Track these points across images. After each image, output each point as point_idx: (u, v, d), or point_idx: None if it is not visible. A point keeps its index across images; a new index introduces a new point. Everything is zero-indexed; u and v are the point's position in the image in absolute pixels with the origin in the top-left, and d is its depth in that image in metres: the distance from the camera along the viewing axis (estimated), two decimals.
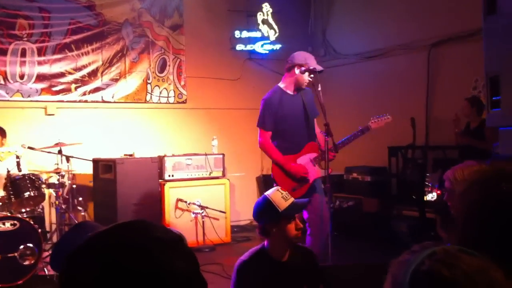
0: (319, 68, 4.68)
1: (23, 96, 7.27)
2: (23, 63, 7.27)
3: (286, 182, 4.56)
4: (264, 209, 3.02)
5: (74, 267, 0.94)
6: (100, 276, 0.89)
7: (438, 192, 6.38)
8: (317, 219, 4.52)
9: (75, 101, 7.65)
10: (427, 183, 6.71)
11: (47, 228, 6.70)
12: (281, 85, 4.82)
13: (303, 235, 4.35)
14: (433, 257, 0.95)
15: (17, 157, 5.96)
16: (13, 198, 5.60)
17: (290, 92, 4.78)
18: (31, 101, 7.33)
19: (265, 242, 3.07)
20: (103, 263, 0.90)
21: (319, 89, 4.55)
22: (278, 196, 3.02)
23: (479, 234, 1.30)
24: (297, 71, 4.70)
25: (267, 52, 8.99)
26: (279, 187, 3.15)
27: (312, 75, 4.69)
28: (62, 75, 7.56)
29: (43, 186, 5.95)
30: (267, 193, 3.08)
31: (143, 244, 0.92)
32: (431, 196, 6.58)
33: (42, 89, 7.41)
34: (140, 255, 0.90)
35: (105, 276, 0.89)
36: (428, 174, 6.87)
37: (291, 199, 3.03)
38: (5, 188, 5.65)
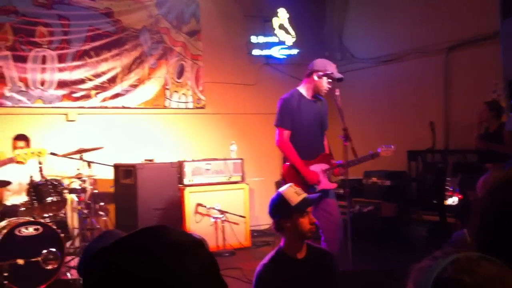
0: (338, 75, 4.66)
1: (44, 103, 7.36)
2: (44, 70, 7.37)
3: (296, 184, 4.57)
4: (277, 204, 3.09)
5: (87, 272, 0.97)
6: (108, 281, 0.91)
7: (459, 196, 6.35)
8: (330, 224, 4.52)
9: (95, 107, 7.74)
10: (447, 187, 6.68)
11: (70, 233, 6.76)
12: (300, 89, 4.81)
13: (318, 239, 4.38)
14: (455, 264, 0.96)
15: (40, 162, 6.04)
16: (36, 203, 5.66)
17: (309, 97, 4.78)
18: (52, 107, 7.42)
19: (281, 242, 3.12)
20: (112, 268, 0.92)
21: (337, 93, 4.56)
22: (291, 191, 3.07)
23: (494, 239, 1.31)
24: (315, 77, 4.68)
25: (284, 57, 9.02)
26: (292, 184, 3.18)
27: (330, 81, 4.69)
28: (82, 81, 7.65)
29: (65, 191, 6.02)
30: (281, 189, 3.15)
31: (155, 249, 0.93)
32: (451, 201, 6.54)
33: (63, 96, 7.50)
34: (151, 260, 0.91)
35: (113, 281, 0.90)
36: (448, 178, 6.83)
37: (304, 195, 3.07)
38: (28, 193, 5.72)
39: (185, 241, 0.98)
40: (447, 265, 0.96)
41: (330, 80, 4.67)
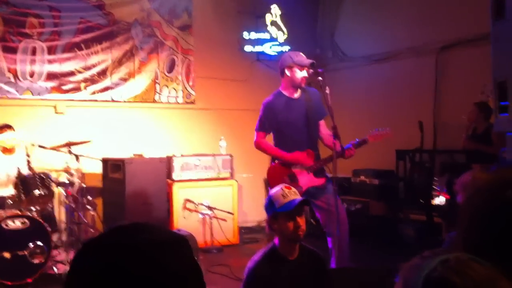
0: (307, 61, 4.64)
1: (33, 94, 7.31)
2: (33, 62, 7.31)
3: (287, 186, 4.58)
4: (266, 204, 3.13)
5: (71, 268, 0.97)
6: (102, 280, 0.91)
7: (446, 196, 6.39)
8: (334, 219, 4.49)
9: (84, 100, 7.69)
10: (434, 187, 6.72)
11: (57, 227, 6.73)
12: (282, 90, 4.81)
13: (313, 236, 4.39)
14: (446, 264, 0.97)
15: (27, 155, 5.99)
16: (23, 196, 5.62)
17: (291, 95, 4.75)
18: (41, 99, 7.37)
19: (275, 240, 3.14)
20: (93, 263, 0.93)
21: (327, 91, 4.54)
22: (278, 193, 3.07)
23: (481, 241, 1.32)
24: (287, 72, 4.68)
25: (276, 53, 9.00)
26: (284, 185, 3.17)
27: (302, 69, 4.64)
28: (71, 74, 7.60)
29: (53, 184, 5.97)
30: (273, 189, 3.17)
31: (134, 245, 0.93)
32: (438, 200, 6.59)
33: (52, 88, 7.45)
34: (131, 255, 0.91)
35: (107, 280, 0.91)
36: (435, 178, 6.88)
37: (291, 198, 3.04)
38: (15, 186, 5.67)
39: (163, 239, 0.98)
40: (437, 265, 0.97)
41: (301, 69, 4.63)
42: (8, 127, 6.37)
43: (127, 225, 1.00)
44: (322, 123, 4.89)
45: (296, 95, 4.78)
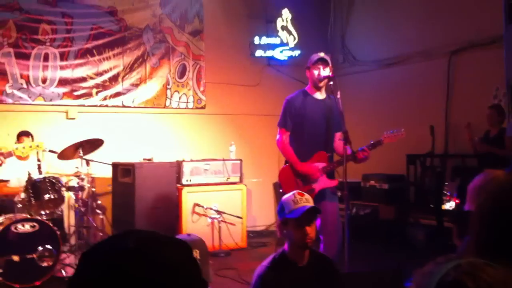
0: (317, 56, 4.68)
1: (45, 100, 7.39)
2: (45, 68, 7.40)
3: (292, 189, 4.56)
4: (278, 209, 3.13)
5: (76, 269, 0.98)
6: (107, 283, 0.92)
7: (457, 201, 6.33)
8: (327, 227, 4.50)
9: (95, 106, 7.76)
10: (445, 192, 6.66)
11: (66, 231, 6.78)
12: (307, 88, 4.84)
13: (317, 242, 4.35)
14: (458, 268, 0.96)
15: (38, 159, 6.06)
16: (33, 200, 5.68)
17: (315, 95, 4.76)
18: (52, 105, 7.45)
19: (285, 245, 3.12)
20: (94, 265, 0.94)
21: (338, 96, 4.54)
22: (290, 198, 3.06)
23: (494, 244, 1.30)
24: (308, 74, 4.76)
25: (286, 58, 9.00)
26: (298, 191, 3.15)
27: (317, 67, 4.66)
28: (83, 79, 7.67)
29: (63, 189, 6.03)
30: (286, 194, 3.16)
31: (132, 247, 0.94)
32: (449, 205, 6.53)
33: (64, 94, 7.52)
34: (130, 258, 0.92)
35: (111, 283, 0.91)
36: (446, 183, 6.82)
37: (301, 204, 3.01)
38: (25, 190, 5.73)
39: (167, 239, 0.99)
40: (450, 270, 0.96)
41: (316, 67, 4.66)
42: (27, 134, 6.47)
43: (122, 232, 1.01)
44: (337, 135, 4.87)
45: (320, 96, 4.78)
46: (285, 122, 4.75)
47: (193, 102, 8.56)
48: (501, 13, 6.14)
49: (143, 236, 0.98)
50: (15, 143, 6.29)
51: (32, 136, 6.51)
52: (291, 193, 3.11)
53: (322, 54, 4.73)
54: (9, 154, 5.41)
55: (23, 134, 6.50)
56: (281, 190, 4.75)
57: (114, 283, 0.90)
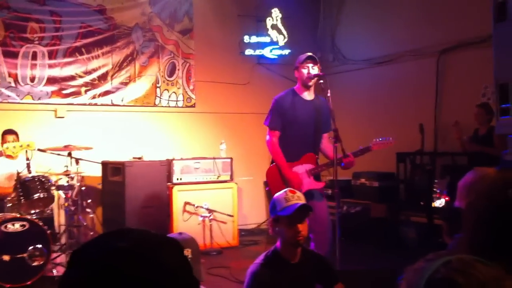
0: (304, 56, 4.67)
1: (33, 99, 7.33)
2: (34, 66, 7.34)
3: (278, 188, 4.56)
4: (270, 206, 3.13)
5: (66, 268, 0.98)
6: (85, 276, 0.92)
7: (446, 198, 6.37)
8: (316, 226, 4.50)
9: (84, 104, 7.72)
10: (435, 190, 6.70)
11: (56, 230, 6.74)
12: (295, 88, 4.82)
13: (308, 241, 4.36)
14: (448, 265, 0.96)
15: (27, 158, 6.01)
16: (22, 200, 5.64)
17: (303, 96, 4.75)
18: (41, 103, 7.39)
19: (277, 242, 3.12)
20: (85, 264, 0.93)
21: (329, 94, 4.54)
22: (281, 196, 3.06)
23: (487, 241, 1.31)
24: (296, 74, 4.74)
25: (276, 57, 9.02)
26: (290, 188, 3.16)
27: (306, 66, 4.65)
28: (72, 78, 7.62)
29: (53, 188, 5.99)
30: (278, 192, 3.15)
31: (123, 246, 0.94)
32: (439, 203, 6.57)
33: (52, 92, 7.47)
34: (121, 256, 0.92)
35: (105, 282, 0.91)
36: (436, 181, 6.86)
37: (293, 202, 3.01)
38: (15, 189, 5.69)
39: (157, 238, 0.99)
40: (440, 266, 0.96)
41: (304, 66, 4.65)
42: (11, 132, 6.41)
43: (114, 230, 1.01)
44: (325, 136, 4.89)
45: (309, 97, 4.76)
46: (275, 123, 4.73)
47: (183, 100, 8.54)
48: (490, 11, 6.19)
49: (135, 235, 0.98)
50: (2, 142, 6.25)
51: (17, 135, 6.45)
52: (283, 191, 3.11)
53: (310, 54, 4.74)
54: None
55: (8, 133, 6.43)
56: (267, 189, 4.77)
57: (106, 282, 0.89)
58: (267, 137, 4.77)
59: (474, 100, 6.82)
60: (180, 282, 0.95)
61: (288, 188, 3.16)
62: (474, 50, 7.05)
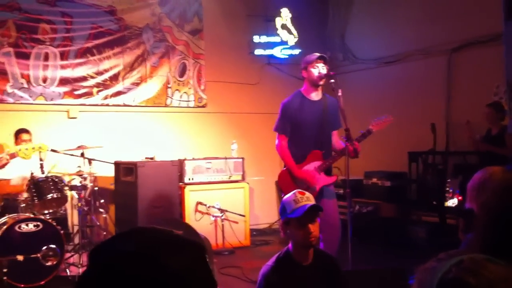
0: (316, 55, 4.66)
1: (46, 100, 7.37)
2: (46, 67, 7.39)
3: (291, 190, 4.57)
4: (280, 209, 3.12)
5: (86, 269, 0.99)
6: (93, 277, 0.93)
7: (460, 197, 6.34)
8: (326, 225, 4.49)
9: (96, 105, 7.75)
10: (447, 189, 6.68)
11: (70, 230, 6.78)
12: (302, 90, 4.82)
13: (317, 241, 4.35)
14: (460, 265, 0.96)
15: (41, 159, 6.05)
16: (36, 200, 5.67)
17: (309, 96, 4.75)
18: (53, 104, 7.43)
19: (289, 244, 3.11)
20: (98, 265, 0.95)
21: (340, 94, 4.54)
22: (291, 198, 3.04)
23: (499, 240, 1.31)
24: (305, 74, 4.73)
25: (286, 56, 9.02)
26: (298, 190, 3.14)
27: (315, 66, 4.64)
28: (84, 79, 7.66)
29: (66, 188, 6.02)
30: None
31: (133, 247, 0.94)
32: (451, 202, 6.54)
33: (65, 93, 7.51)
34: (131, 258, 0.92)
35: (96, 278, 0.93)
36: (448, 180, 6.83)
37: (302, 203, 3.00)
38: (28, 189, 5.73)
39: (169, 239, 0.99)
40: (452, 266, 0.96)
41: (313, 66, 4.64)
42: (25, 131, 6.46)
43: (128, 230, 1.01)
44: (335, 133, 4.88)
45: (316, 97, 4.76)
46: (283, 127, 4.75)
47: (194, 100, 8.56)
48: (501, 10, 6.15)
49: (146, 237, 0.98)
50: (17, 141, 6.30)
51: (30, 133, 6.50)
52: (291, 193, 3.09)
53: (319, 54, 4.73)
54: (13, 156, 5.40)
55: (22, 132, 6.48)
56: (282, 195, 4.77)
57: (108, 284, 0.91)
58: (276, 141, 4.79)
59: (485, 99, 6.77)
60: (188, 285, 0.94)
61: (297, 190, 3.14)
62: (485, 49, 7.02)
